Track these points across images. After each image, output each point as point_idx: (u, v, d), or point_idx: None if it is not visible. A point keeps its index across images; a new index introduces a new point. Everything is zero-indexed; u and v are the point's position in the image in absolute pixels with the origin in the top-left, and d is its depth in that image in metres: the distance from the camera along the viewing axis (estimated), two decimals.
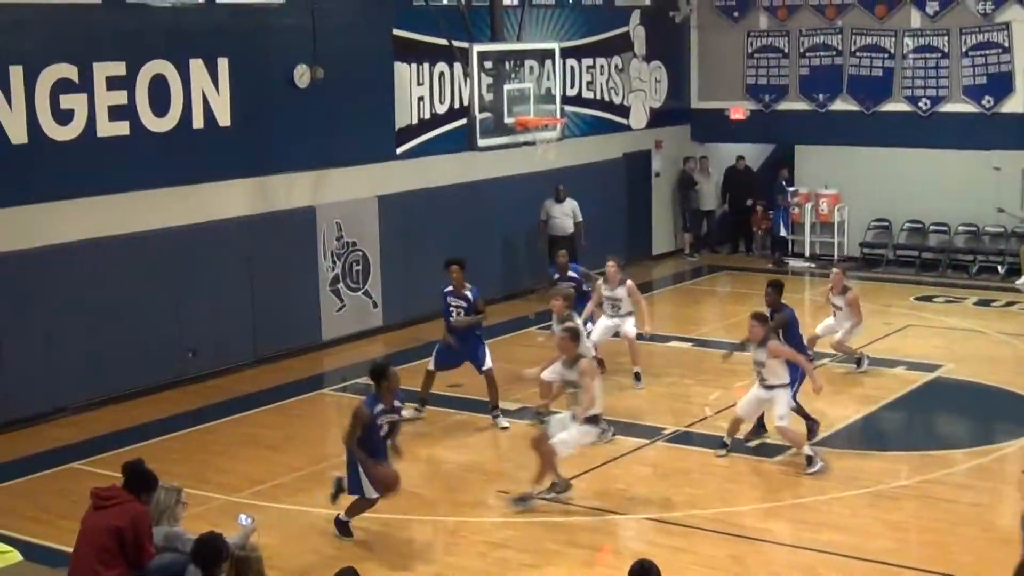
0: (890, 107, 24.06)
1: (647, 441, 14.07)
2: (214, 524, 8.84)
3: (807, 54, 24.83)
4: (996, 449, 13.65)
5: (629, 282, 16.50)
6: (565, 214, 21.31)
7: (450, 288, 14.84)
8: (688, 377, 16.67)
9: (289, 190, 17.90)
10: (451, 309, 14.82)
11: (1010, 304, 20.91)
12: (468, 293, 14.81)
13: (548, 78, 18.57)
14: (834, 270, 16.87)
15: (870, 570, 10.51)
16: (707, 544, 11.09)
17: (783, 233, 24.77)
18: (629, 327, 16.26)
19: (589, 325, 16.08)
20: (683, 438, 14.21)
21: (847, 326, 16.49)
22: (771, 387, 12.94)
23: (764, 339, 12.91)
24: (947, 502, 11.40)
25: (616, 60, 24.02)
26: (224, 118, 16.84)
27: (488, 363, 14.71)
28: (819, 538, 11.15)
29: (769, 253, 25.36)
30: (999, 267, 23.16)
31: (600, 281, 16.31)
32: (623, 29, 24.21)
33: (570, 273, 16.82)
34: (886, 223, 24.40)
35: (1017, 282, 22.36)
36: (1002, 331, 18.62)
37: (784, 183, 24.72)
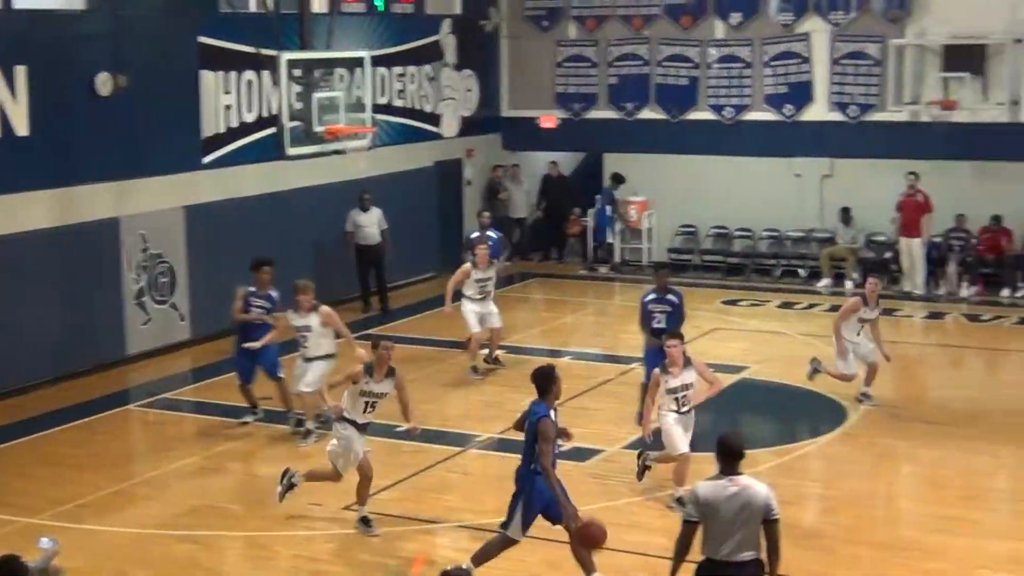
0: (695, 115, 24.41)
1: (460, 449, 14.12)
2: (14, 548, 8.54)
3: (615, 63, 24.96)
4: (798, 448, 14.09)
5: (497, 263, 17.44)
6: (372, 223, 21.05)
7: (254, 289, 14.66)
8: (501, 384, 16.66)
9: (92, 201, 17.41)
10: (252, 309, 14.67)
11: (811, 306, 21.50)
12: (272, 293, 14.72)
13: (358, 86, 18.53)
14: (870, 280, 15.60)
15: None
16: (521, 549, 11.02)
17: (609, 240, 24.67)
18: (496, 319, 16.76)
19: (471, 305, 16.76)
20: (496, 445, 14.24)
21: (873, 347, 15.36)
22: (689, 411, 12.12)
23: (687, 359, 12.03)
24: None
25: (427, 68, 23.95)
26: (22, 127, 16.31)
27: (281, 372, 14.75)
28: (630, 540, 11.26)
29: (581, 260, 25.42)
30: (800, 270, 23.70)
31: (469, 264, 16.71)
32: (434, 38, 24.16)
33: (489, 232, 18.11)
34: (692, 229, 24.76)
35: (818, 285, 22.91)
36: (804, 332, 19.10)
37: (613, 193, 24.65)
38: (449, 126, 24.72)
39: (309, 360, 14.29)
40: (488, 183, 25.66)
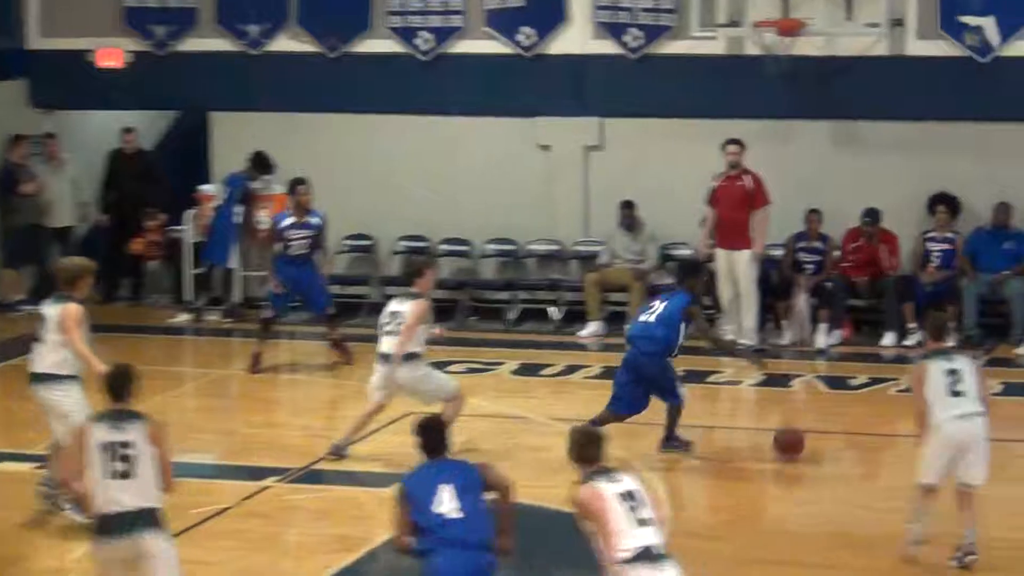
0: (369, 46, 24.26)
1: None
2: None
3: None
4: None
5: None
6: None
7: None
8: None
9: None
10: None
11: (572, 370, 21.10)
12: None
13: None
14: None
15: None
16: None
17: (232, 264, 24.50)
18: None
19: None
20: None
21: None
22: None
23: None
24: None
25: None
26: None
27: None
28: None
29: (174, 298, 25.06)
30: (551, 309, 23.61)
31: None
32: None
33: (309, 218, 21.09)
34: (370, 242, 24.78)
35: (582, 333, 22.71)
36: (559, 416, 18.10)
37: (250, 185, 24.30)
38: None
39: None
40: (4, 167, 24.91)
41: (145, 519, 11.09)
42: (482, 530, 10.81)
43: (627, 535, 10.54)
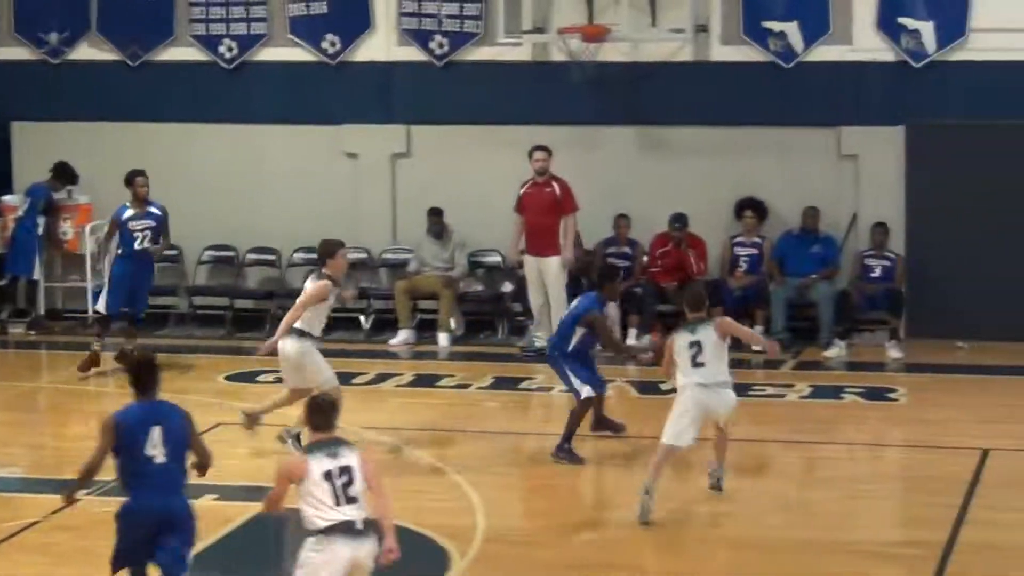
0: (172, 54, 24.22)
1: None
2: None
3: None
4: None
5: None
6: None
7: None
8: None
9: None
10: None
11: (383, 379, 21.22)
12: None
13: None
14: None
15: None
16: None
17: (36, 276, 24.10)
18: None
19: None
20: None
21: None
22: None
23: None
24: None
25: None
26: None
27: None
28: None
29: None
30: (362, 318, 23.68)
31: None
32: None
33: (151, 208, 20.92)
34: (175, 251, 23.99)
35: (392, 342, 22.81)
36: (369, 424, 18.62)
37: (53, 194, 23.97)
38: None
39: None
40: None
41: None
42: (180, 476, 11.23)
43: (329, 509, 10.80)
